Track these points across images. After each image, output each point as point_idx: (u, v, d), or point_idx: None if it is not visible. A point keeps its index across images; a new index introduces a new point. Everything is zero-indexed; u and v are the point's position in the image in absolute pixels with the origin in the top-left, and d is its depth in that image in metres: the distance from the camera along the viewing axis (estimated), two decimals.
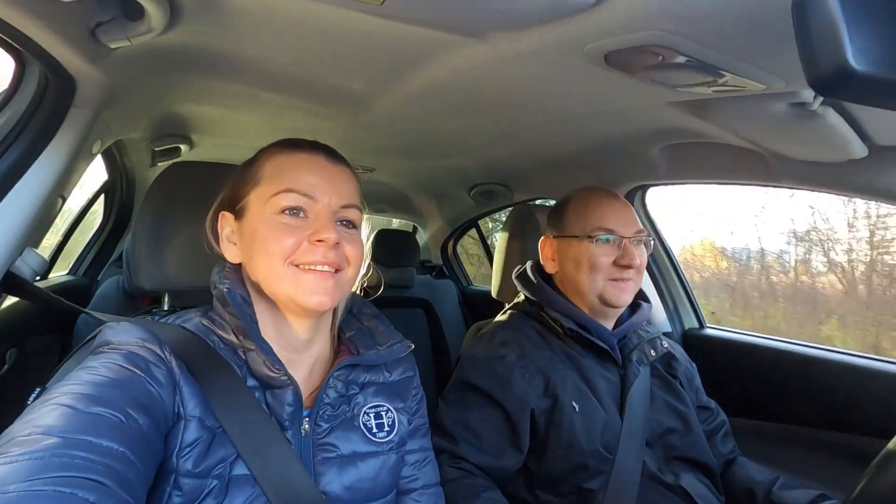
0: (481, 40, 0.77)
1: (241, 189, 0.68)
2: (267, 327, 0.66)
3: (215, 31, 0.83)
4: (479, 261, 3.80)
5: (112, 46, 0.78)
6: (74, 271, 2.03)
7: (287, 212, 0.63)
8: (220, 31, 0.83)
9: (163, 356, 0.58)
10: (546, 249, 1.09)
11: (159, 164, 1.69)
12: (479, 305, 2.71)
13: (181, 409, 0.57)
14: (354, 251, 0.66)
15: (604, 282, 0.97)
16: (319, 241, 0.62)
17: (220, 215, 0.69)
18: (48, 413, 0.45)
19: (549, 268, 1.07)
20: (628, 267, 0.96)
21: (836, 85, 0.42)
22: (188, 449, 0.55)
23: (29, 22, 0.68)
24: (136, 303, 1.72)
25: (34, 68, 0.84)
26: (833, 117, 0.85)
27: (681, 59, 0.68)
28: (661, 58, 0.68)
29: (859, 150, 0.91)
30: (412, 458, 0.75)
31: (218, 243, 0.70)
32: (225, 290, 0.63)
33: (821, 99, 0.80)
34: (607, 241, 0.98)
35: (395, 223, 3.43)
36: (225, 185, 0.72)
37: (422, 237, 3.03)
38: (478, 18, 0.70)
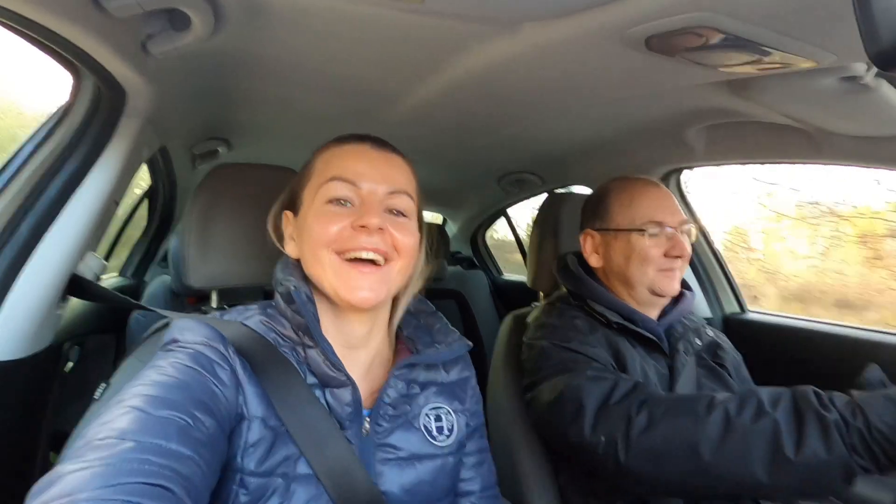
0: (516, 30, 0.77)
1: (297, 187, 0.69)
2: (326, 323, 0.66)
3: (255, 35, 0.85)
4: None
5: (160, 57, 0.82)
6: (124, 273, 2.12)
7: (334, 202, 0.63)
8: (261, 35, 0.85)
9: (227, 355, 0.59)
10: (588, 243, 1.06)
11: (199, 166, 1.75)
12: (511, 295, 2.71)
13: (244, 409, 0.58)
14: (405, 240, 0.64)
15: (654, 273, 0.96)
16: (362, 226, 0.61)
17: (284, 215, 0.70)
18: (122, 416, 0.46)
19: (594, 262, 1.06)
20: (679, 257, 0.95)
21: None
22: (251, 448, 0.56)
23: (85, 37, 0.71)
24: (183, 301, 1.80)
25: (89, 82, 0.88)
26: (887, 89, 0.81)
27: (726, 39, 0.66)
28: (704, 38, 0.67)
29: None
30: (470, 460, 0.74)
31: (282, 244, 0.70)
32: (292, 287, 0.63)
33: (874, 72, 0.77)
34: (656, 233, 0.97)
35: None
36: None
37: (450, 228, 3.04)
38: (514, 8, 0.70)
